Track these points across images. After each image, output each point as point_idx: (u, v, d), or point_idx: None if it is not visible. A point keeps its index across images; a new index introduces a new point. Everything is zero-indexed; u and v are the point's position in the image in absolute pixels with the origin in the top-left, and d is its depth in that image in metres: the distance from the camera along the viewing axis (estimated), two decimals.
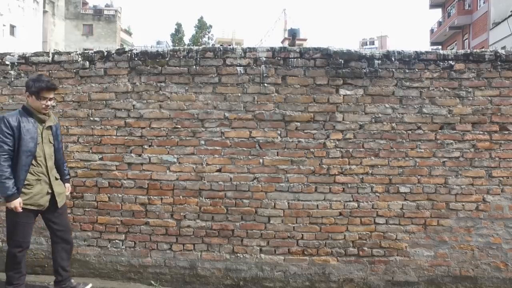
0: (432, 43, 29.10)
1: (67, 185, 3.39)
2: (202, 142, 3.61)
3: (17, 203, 2.95)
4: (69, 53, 3.76)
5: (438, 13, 31.66)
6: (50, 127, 3.18)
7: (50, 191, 3.14)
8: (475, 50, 3.63)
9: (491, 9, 20.43)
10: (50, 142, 3.18)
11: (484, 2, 22.01)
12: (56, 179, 3.22)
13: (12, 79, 3.77)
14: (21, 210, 2.98)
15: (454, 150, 3.54)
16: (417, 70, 3.54)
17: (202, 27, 43.76)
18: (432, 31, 30.44)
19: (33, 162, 3.06)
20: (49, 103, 3.12)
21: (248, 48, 3.63)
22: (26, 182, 3.02)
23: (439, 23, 28.97)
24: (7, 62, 3.76)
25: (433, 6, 29.93)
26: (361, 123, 3.56)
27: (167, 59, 3.63)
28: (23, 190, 3.00)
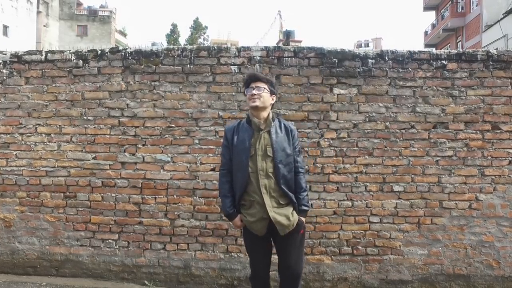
0: (426, 45, 29.24)
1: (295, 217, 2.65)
2: (196, 141, 3.61)
3: (237, 222, 2.71)
4: (62, 51, 3.74)
5: (432, 16, 31.93)
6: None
7: (265, 216, 2.60)
8: (467, 50, 3.66)
9: (483, 11, 20.59)
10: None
11: (477, 5, 22.20)
12: (280, 204, 2.63)
13: (5, 77, 3.74)
14: (243, 226, 2.72)
15: (447, 149, 3.56)
16: (410, 69, 3.56)
17: (197, 28, 43.76)
18: (426, 33, 30.63)
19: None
20: None
21: (243, 47, 3.63)
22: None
23: (433, 26, 29.16)
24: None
25: (427, 8, 30.13)
26: (355, 122, 3.57)
27: (161, 58, 3.62)
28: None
